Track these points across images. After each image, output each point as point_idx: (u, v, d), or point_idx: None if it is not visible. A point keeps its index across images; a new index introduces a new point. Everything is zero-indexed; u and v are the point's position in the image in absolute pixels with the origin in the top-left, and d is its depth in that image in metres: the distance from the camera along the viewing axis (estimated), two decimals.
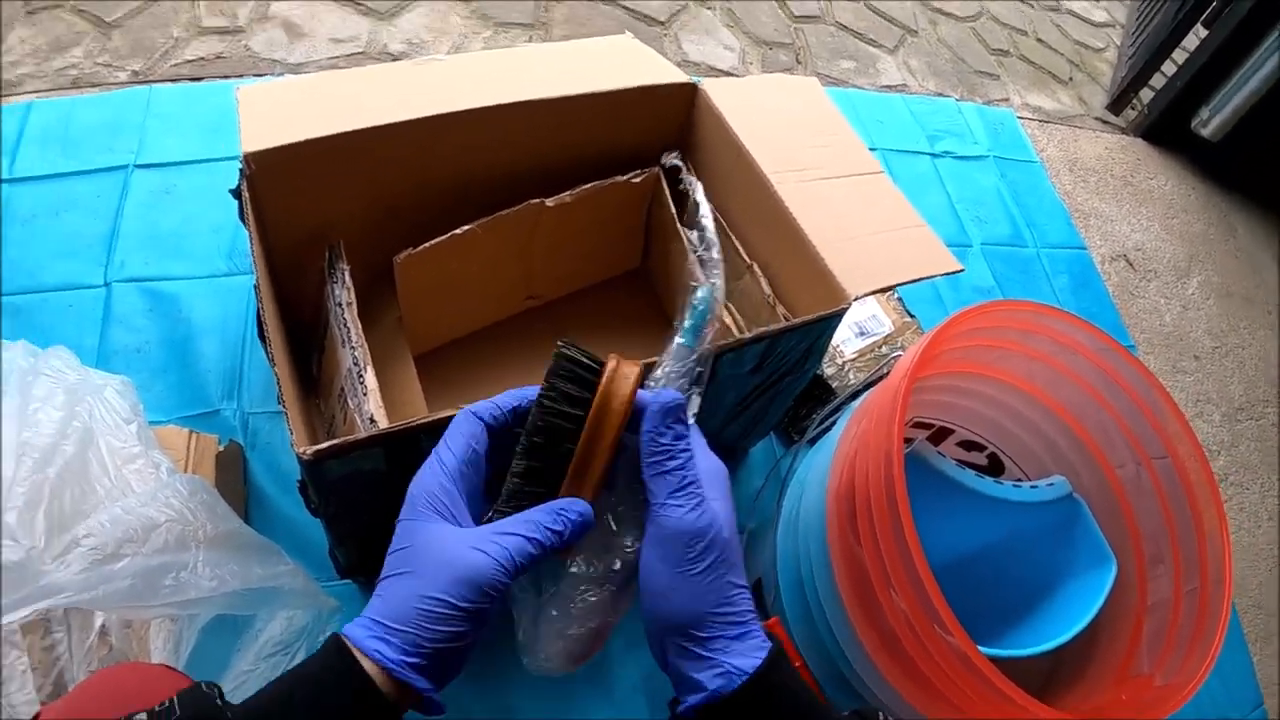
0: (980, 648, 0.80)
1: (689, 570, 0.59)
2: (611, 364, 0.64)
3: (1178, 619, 0.94)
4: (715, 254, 0.72)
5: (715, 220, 0.76)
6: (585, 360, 0.63)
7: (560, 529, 0.60)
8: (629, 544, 0.65)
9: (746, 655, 0.59)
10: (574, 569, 0.66)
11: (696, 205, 0.79)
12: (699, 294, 0.70)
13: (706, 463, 0.65)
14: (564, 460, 0.63)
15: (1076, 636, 0.96)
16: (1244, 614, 1.76)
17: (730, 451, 1.39)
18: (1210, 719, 1.56)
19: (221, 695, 0.57)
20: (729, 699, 0.58)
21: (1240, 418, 2.13)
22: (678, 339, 0.70)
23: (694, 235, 0.74)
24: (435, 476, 0.61)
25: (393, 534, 0.60)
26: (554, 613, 0.67)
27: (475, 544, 0.57)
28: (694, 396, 0.71)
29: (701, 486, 0.62)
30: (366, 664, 0.55)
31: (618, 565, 0.65)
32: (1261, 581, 1.86)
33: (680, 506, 0.60)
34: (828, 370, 1.35)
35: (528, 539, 0.58)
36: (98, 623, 0.84)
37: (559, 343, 0.64)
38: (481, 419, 0.64)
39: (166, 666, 0.71)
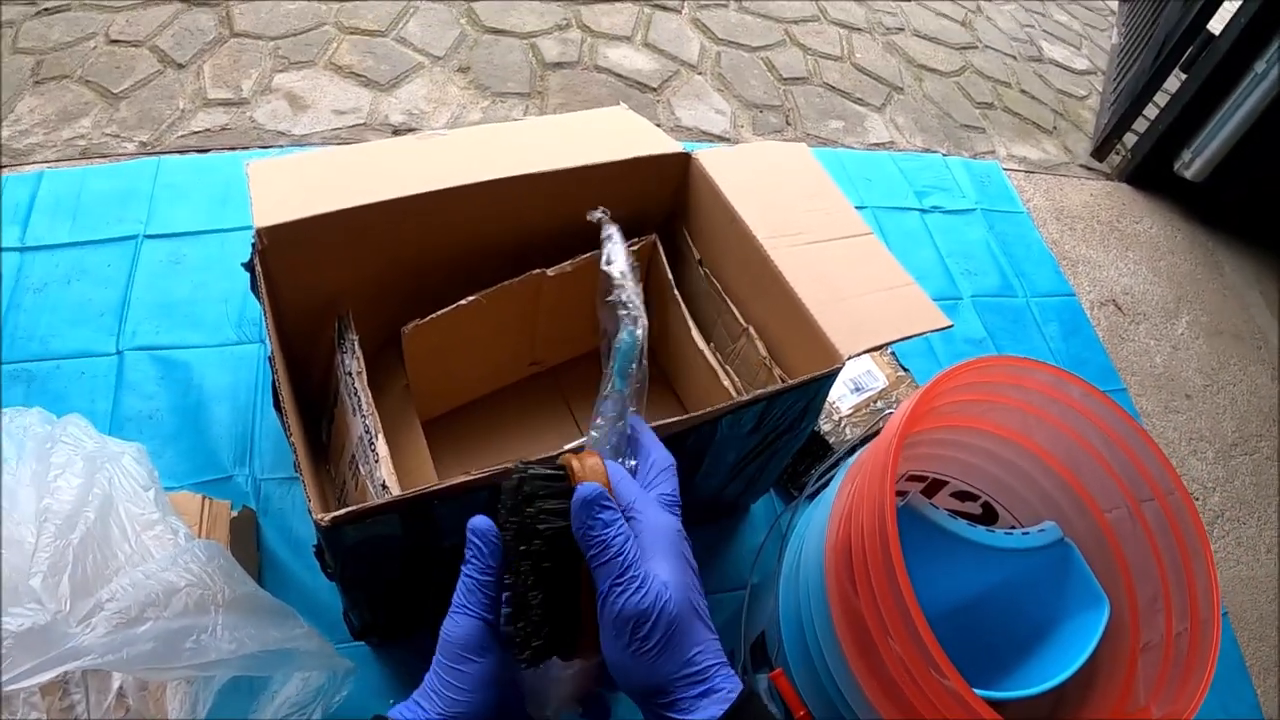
0: (978, 690, 0.82)
1: (640, 649, 0.61)
2: (575, 464, 0.66)
3: (1170, 656, 0.96)
4: (629, 296, 0.72)
5: (632, 266, 0.75)
6: (550, 471, 0.65)
7: (477, 551, 0.64)
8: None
9: (710, 708, 0.61)
10: None
11: (610, 251, 0.79)
12: (622, 337, 0.70)
13: (652, 522, 0.65)
14: (575, 572, 0.65)
15: (1073, 676, 0.98)
16: (1246, 647, 1.77)
17: (732, 507, 1.41)
18: None
19: None
20: None
21: (1234, 454, 2.15)
22: (610, 385, 0.71)
23: (609, 280, 0.73)
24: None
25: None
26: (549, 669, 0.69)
27: (453, 606, 0.64)
28: (629, 461, 0.72)
29: (642, 567, 0.62)
30: None
31: None
32: (1262, 614, 1.87)
33: (623, 593, 0.61)
34: (825, 426, 1.37)
35: (462, 581, 0.64)
36: (115, 685, 0.85)
37: (516, 466, 0.66)
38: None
39: None
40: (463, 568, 0.64)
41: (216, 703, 0.93)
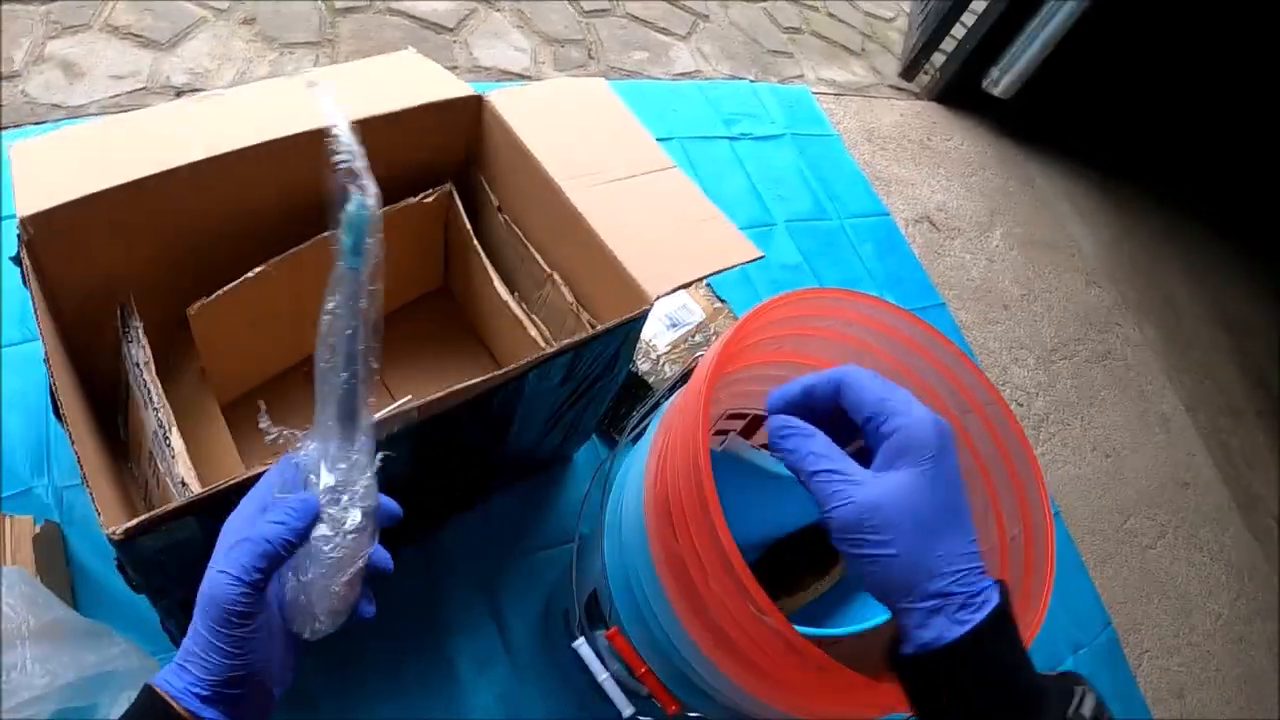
0: (808, 629, 0.82)
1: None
2: None
3: (1006, 567, 0.98)
4: (359, 162, 0.62)
5: (355, 130, 0.66)
6: None
7: (285, 520, 0.60)
8: (351, 500, 0.65)
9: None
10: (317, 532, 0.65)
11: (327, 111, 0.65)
12: (350, 206, 0.61)
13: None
14: None
15: None
16: (1080, 541, 1.85)
17: (552, 459, 1.39)
18: (1063, 648, 1.64)
19: None
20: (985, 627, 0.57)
21: (1054, 358, 2.23)
22: (340, 264, 0.62)
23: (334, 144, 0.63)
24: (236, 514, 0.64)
25: None
26: (317, 573, 0.65)
27: (215, 564, 0.59)
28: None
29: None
30: (177, 706, 0.57)
31: (352, 521, 0.65)
32: (1093, 509, 1.96)
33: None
34: (643, 366, 1.35)
35: (256, 543, 0.59)
36: None
37: None
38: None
39: None
40: (273, 530, 0.60)
41: None
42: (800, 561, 0.77)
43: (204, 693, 0.58)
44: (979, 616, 0.57)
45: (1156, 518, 2.05)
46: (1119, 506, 2.01)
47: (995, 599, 0.58)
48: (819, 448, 0.62)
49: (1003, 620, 0.58)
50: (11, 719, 0.83)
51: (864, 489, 0.59)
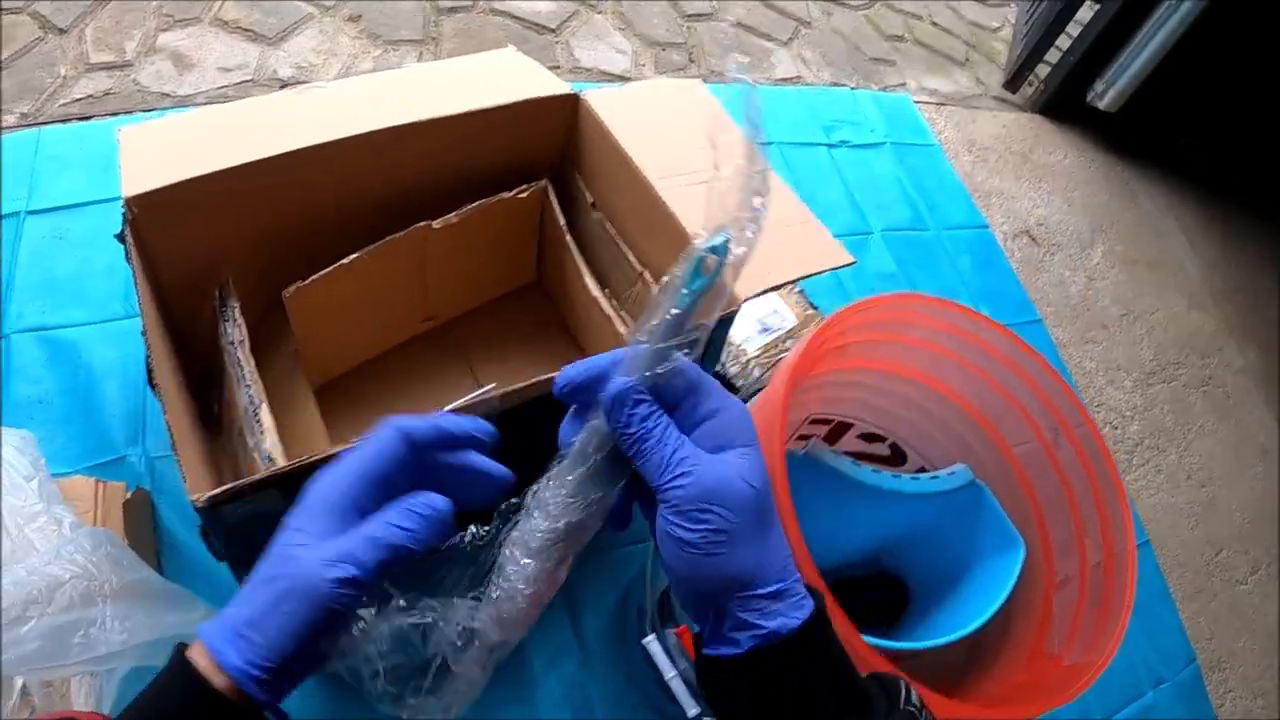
0: (892, 643, 0.81)
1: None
2: None
3: (1085, 593, 0.95)
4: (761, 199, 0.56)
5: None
6: None
7: (412, 527, 0.57)
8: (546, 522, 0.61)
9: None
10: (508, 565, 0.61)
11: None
12: (716, 240, 0.55)
13: (725, 406, 0.58)
14: None
15: (989, 620, 0.97)
16: (1169, 573, 1.79)
17: None
18: (1145, 680, 1.60)
19: None
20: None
21: (1152, 382, 2.17)
22: (672, 303, 0.56)
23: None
24: (333, 483, 0.59)
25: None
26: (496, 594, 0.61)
27: (327, 560, 0.54)
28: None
29: (687, 457, 0.55)
30: (212, 672, 0.52)
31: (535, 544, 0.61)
32: (1184, 540, 1.90)
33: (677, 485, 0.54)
34: (731, 369, 1.35)
35: (379, 546, 0.55)
36: (18, 684, 0.83)
37: None
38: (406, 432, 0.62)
39: (98, 714, 0.69)
40: (402, 535, 0.56)
41: (120, 693, 0.89)
42: (863, 609, 0.75)
43: (261, 675, 0.52)
44: (810, 606, 0.56)
45: (1250, 553, 1.99)
46: (1211, 539, 1.95)
47: (812, 597, 0.57)
48: (663, 420, 0.56)
49: (825, 616, 0.57)
50: (88, 671, 0.85)
51: (708, 464, 0.55)
